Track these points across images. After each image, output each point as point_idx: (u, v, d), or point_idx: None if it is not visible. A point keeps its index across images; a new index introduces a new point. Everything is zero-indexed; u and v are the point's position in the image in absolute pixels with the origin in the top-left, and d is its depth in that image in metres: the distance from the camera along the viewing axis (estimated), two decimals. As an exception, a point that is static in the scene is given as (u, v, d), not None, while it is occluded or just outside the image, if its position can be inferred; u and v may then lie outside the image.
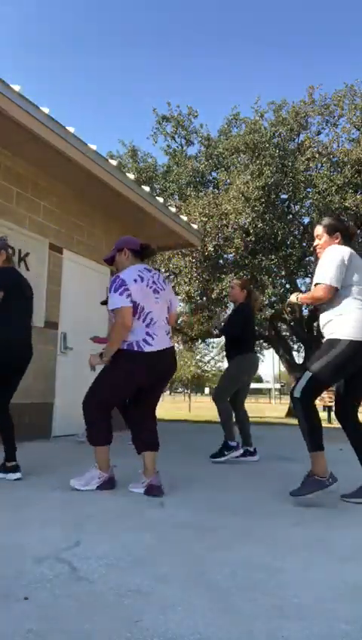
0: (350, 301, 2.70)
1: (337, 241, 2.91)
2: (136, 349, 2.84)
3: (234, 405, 4.62)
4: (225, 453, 4.34)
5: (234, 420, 4.59)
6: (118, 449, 4.73)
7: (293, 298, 3.02)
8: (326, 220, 3.01)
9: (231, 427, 4.42)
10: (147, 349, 2.85)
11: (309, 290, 3.05)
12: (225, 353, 4.74)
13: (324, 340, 2.78)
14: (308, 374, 2.72)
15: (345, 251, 2.76)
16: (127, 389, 2.98)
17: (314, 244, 3.04)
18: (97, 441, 2.96)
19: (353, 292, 2.71)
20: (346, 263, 2.72)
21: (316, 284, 2.78)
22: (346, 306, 2.70)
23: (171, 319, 3.11)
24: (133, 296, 2.83)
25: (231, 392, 4.55)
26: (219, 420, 4.51)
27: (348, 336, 2.64)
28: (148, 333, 2.86)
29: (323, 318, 2.83)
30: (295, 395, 2.74)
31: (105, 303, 5.21)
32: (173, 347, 3.05)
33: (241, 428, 4.62)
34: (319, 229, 2.99)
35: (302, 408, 2.72)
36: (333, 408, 3.06)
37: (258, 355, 4.81)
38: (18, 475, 3.21)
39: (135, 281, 2.87)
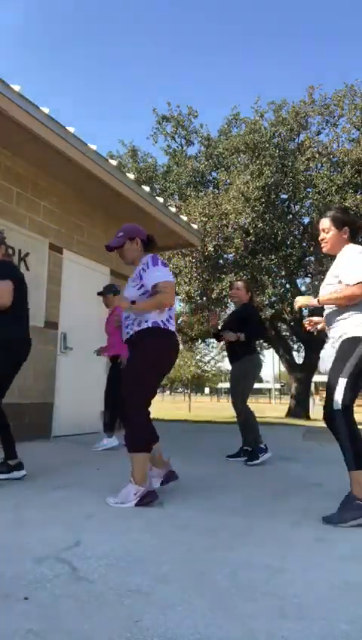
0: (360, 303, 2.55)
1: (346, 236, 2.73)
2: (163, 326, 2.80)
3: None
4: (259, 455, 4.27)
5: (243, 420, 4.51)
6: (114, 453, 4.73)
7: (304, 300, 2.80)
8: (332, 212, 2.80)
9: (258, 429, 4.38)
10: (171, 327, 2.85)
11: (311, 290, 2.93)
12: (227, 353, 4.70)
13: (339, 343, 2.61)
14: (342, 382, 2.49)
15: None
16: (160, 373, 2.85)
17: (320, 237, 2.83)
18: (137, 445, 2.69)
19: None
20: None
21: (347, 284, 2.55)
22: (356, 307, 2.56)
23: None
24: None
25: (249, 392, 4.53)
26: (236, 420, 4.50)
27: None
28: (170, 316, 2.89)
29: (331, 317, 2.69)
30: (335, 408, 2.49)
31: (101, 294, 5.22)
32: None
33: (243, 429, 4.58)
34: (326, 222, 2.77)
35: (346, 421, 2.46)
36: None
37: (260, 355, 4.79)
38: (23, 472, 3.19)
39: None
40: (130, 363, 2.84)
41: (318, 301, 2.70)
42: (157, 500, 2.68)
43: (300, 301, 2.88)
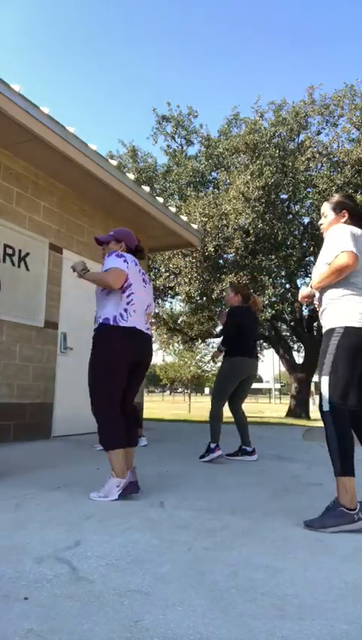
0: (344, 288, 2.43)
1: (344, 220, 2.59)
2: (112, 323, 2.85)
3: (232, 407, 4.70)
4: (209, 454, 4.37)
5: (235, 421, 4.67)
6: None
7: (305, 290, 2.72)
8: (334, 197, 2.70)
9: (217, 429, 4.45)
10: (122, 323, 2.86)
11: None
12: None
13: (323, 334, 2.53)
14: (324, 380, 2.38)
15: (354, 228, 2.46)
16: (119, 371, 2.85)
17: (319, 222, 2.74)
18: (110, 444, 2.78)
19: (349, 278, 2.42)
20: (356, 237, 2.41)
21: (329, 263, 2.43)
22: (340, 292, 2.44)
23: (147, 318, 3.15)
24: (127, 270, 2.91)
25: (226, 393, 4.57)
26: (233, 420, 4.69)
27: (343, 323, 2.39)
28: (125, 310, 2.89)
29: (321, 307, 2.58)
30: (324, 409, 2.36)
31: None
32: (151, 336, 3.09)
33: (240, 428, 4.67)
34: (325, 206, 2.68)
35: (334, 422, 2.32)
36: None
37: (252, 358, 4.65)
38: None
39: (132, 262, 3.00)
40: (90, 365, 2.89)
41: (311, 287, 2.62)
42: (139, 491, 2.78)
43: (302, 292, 2.81)
